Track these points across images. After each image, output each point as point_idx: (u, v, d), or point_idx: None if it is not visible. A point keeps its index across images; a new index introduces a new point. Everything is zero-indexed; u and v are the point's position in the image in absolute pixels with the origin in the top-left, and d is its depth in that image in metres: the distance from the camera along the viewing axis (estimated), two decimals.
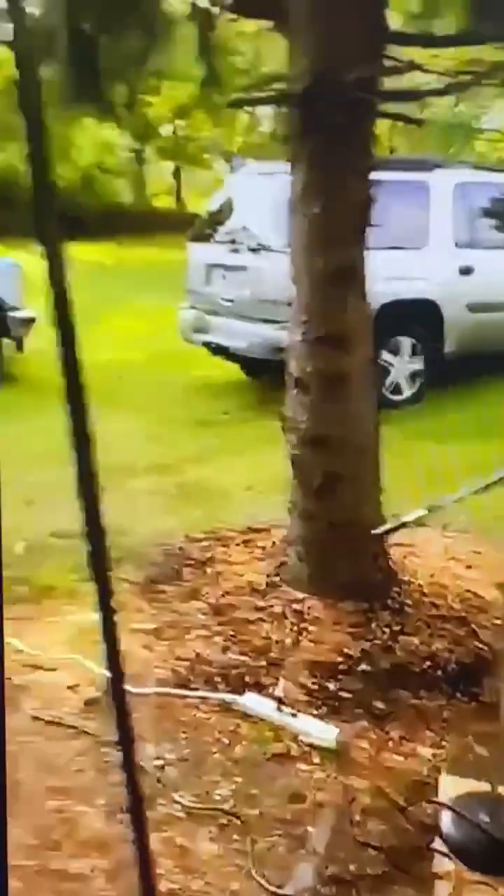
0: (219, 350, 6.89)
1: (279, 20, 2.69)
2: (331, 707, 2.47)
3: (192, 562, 3.46)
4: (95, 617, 3.12)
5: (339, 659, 2.60)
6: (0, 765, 1.25)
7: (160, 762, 2.29)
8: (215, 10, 3.97)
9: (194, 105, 17.62)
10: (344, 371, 2.79)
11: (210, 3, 4.08)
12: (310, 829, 2.07)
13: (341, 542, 2.90)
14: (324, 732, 2.34)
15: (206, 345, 6.97)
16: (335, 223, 2.66)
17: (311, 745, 2.33)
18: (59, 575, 3.44)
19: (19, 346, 7.34)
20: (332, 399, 2.80)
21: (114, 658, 1.49)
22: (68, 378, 1.40)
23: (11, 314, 7.12)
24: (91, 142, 17.49)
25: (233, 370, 7.29)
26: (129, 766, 1.53)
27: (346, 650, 2.63)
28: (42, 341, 7.77)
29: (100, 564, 1.51)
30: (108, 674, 1.43)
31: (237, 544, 3.56)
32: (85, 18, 3.46)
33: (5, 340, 7.39)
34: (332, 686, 2.52)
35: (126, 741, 1.51)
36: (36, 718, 2.49)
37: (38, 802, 2.16)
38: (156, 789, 2.18)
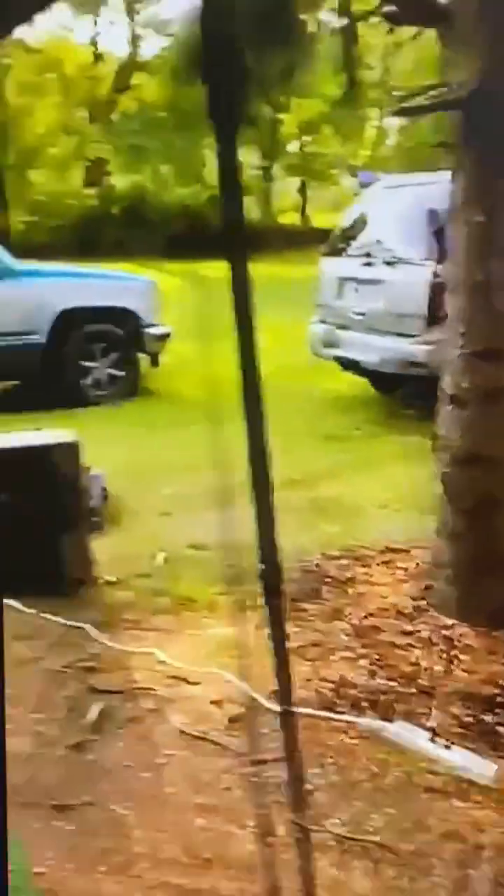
0: (349, 365, 6.82)
1: (441, 27, 2.62)
2: (488, 742, 2.33)
3: (331, 580, 3.40)
4: (236, 631, 3.10)
5: (496, 691, 2.47)
6: (1, 764, 1.24)
7: (308, 786, 2.23)
8: (362, 22, 3.94)
9: (322, 121, 17.73)
10: None
11: (350, 18, 4.06)
12: (471, 871, 1.95)
13: (495, 567, 2.76)
14: (482, 768, 2.21)
15: (337, 359, 6.91)
16: (499, 232, 2.54)
17: (467, 781, 2.21)
18: (198, 587, 3.46)
19: (154, 362, 7.53)
20: (491, 416, 2.67)
21: (285, 682, 1.45)
22: (247, 396, 1.37)
23: (148, 330, 7.32)
24: None
25: (362, 384, 7.18)
26: (297, 797, 1.48)
27: (502, 682, 2.49)
28: (174, 356, 7.97)
29: (273, 584, 1.47)
30: (265, 700, 1.39)
31: (377, 564, 3.47)
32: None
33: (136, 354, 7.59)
34: (488, 719, 2.38)
35: (295, 774, 1.46)
36: (182, 733, 2.48)
37: (186, 819, 2.15)
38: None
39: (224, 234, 1.33)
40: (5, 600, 3.63)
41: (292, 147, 20.49)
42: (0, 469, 3.22)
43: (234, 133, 1.30)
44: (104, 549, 3.75)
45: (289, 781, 1.35)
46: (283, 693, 1.35)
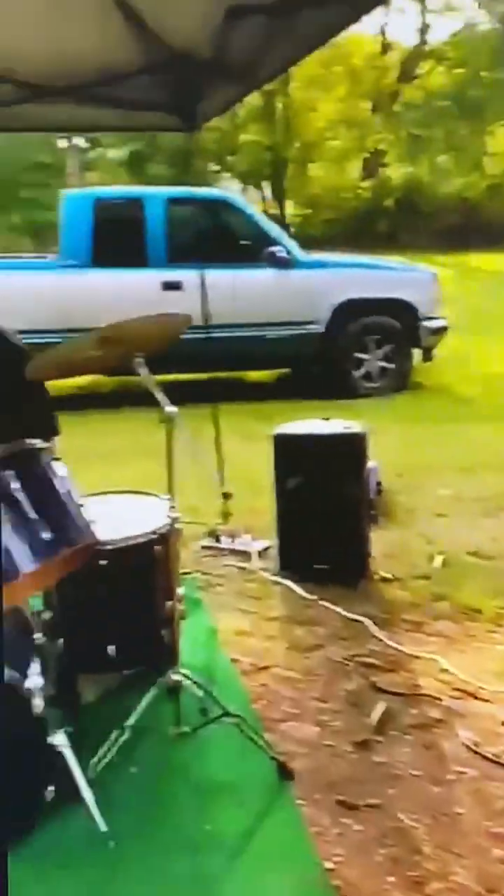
0: None
1: None
2: None
3: None
4: None
5: None
6: None
7: None
8: None
9: None
10: None
11: None
12: None
13: None
14: None
15: None
16: None
17: None
18: (481, 598, 3.27)
19: (427, 356, 7.33)
20: None
21: None
22: None
23: (425, 324, 7.13)
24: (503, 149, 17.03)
25: None
26: None
27: None
28: (445, 350, 7.68)
29: None
30: None
31: None
32: None
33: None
34: None
35: None
36: (472, 751, 2.34)
37: (479, 845, 2.00)
38: None
39: None
40: (287, 582, 3.65)
41: None
42: (298, 454, 3.26)
43: None
44: (379, 545, 3.69)
45: None
46: None
